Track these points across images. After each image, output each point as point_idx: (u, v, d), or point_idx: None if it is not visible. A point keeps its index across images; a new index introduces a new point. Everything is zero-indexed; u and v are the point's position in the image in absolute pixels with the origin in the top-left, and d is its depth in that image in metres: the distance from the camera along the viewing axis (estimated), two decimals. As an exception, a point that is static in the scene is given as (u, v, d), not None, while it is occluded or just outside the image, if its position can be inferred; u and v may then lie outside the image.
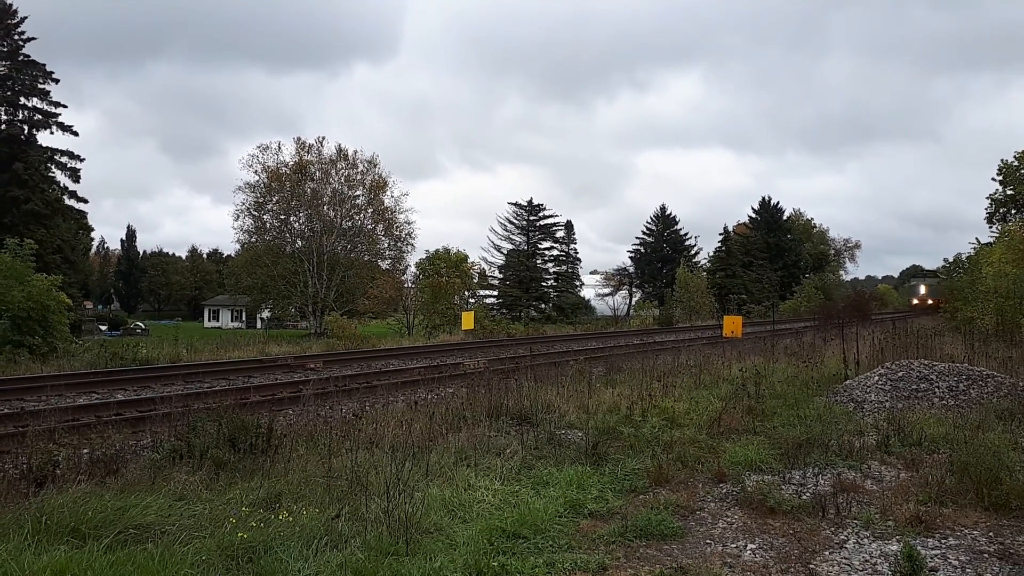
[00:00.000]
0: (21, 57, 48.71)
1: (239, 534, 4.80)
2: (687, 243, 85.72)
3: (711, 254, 79.47)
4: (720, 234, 78.99)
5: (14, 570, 4.21)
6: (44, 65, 49.25)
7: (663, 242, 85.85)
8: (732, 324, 23.91)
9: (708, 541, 5.51)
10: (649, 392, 10.90)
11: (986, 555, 5.22)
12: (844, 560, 5.13)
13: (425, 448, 7.33)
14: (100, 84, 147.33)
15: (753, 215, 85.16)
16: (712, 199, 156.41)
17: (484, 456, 7.35)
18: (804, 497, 6.45)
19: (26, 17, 48.87)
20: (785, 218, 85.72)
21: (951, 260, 38.41)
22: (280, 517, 5.20)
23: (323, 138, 72.51)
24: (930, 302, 61.33)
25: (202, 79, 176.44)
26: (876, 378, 11.53)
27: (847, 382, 12.10)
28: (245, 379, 15.40)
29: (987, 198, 37.89)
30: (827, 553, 5.26)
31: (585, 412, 9.67)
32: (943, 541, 5.50)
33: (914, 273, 79.27)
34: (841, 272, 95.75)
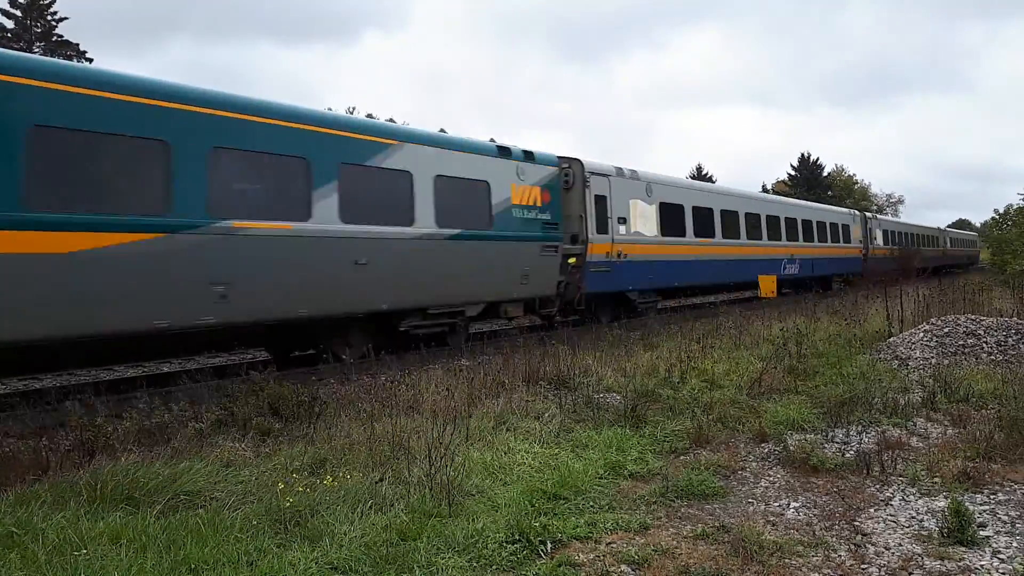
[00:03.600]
0: (55, 38, 49.30)
1: (286, 499, 4.90)
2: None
3: (749, 213, 78.31)
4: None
5: (72, 536, 4.35)
6: (77, 45, 49.74)
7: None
8: (767, 284, 23.45)
9: (750, 500, 5.49)
10: (688, 354, 10.82)
11: (1037, 510, 5.12)
12: (890, 517, 5.08)
13: (464, 413, 7.38)
14: (125, 63, 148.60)
15: (792, 172, 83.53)
16: (744, 159, 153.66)
17: (523, 420, 7.39)
18: (848, 455, 6.38)
19: (59, -3, 49.42)
20: (825, 175, 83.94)
21: (1000, 212, 37.21)
22: (325, 482, 5.28)
23: (353, 108, 72.45)
24: None
25: (218, 53, 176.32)
26: (921, 334, 11.31)
27: (891, 339, 11.88)
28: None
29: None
30: (872, 510, 5.21)
31: (623, 375, 9.65)
32: (992, 497, 5.41)
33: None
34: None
